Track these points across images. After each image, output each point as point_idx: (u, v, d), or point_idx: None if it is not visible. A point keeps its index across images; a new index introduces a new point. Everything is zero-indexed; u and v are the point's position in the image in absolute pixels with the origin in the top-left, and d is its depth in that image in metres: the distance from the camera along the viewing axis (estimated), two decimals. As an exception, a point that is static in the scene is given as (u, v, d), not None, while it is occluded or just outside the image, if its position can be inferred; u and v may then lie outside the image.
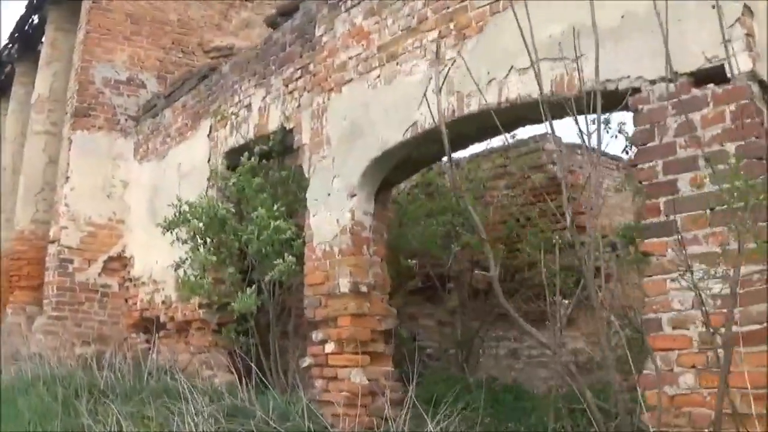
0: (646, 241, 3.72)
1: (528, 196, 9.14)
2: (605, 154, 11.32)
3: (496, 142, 9.26)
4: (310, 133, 6.25)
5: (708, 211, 3.48)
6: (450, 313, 9.15)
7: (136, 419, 5.35)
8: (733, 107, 3.48)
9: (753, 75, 3.46)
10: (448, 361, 9.05)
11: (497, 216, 9.05)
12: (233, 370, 6.15)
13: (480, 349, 8.93)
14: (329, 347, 5.70)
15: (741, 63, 3.46)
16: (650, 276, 3.67)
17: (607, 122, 5.75)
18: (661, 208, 3.65)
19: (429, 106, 4.81)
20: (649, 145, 3.77)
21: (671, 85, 3.69)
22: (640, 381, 3.64)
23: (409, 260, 7.13)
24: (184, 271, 6.97)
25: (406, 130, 5.29)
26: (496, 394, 7.99)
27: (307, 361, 5.86)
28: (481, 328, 8.69)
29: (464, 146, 5.83)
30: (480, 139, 5.59)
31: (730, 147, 3.46)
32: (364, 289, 5.66)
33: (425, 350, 8.93)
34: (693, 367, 3.46)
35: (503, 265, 8.81)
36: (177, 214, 6.83)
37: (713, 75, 3.58)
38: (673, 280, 3.54)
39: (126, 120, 10.18)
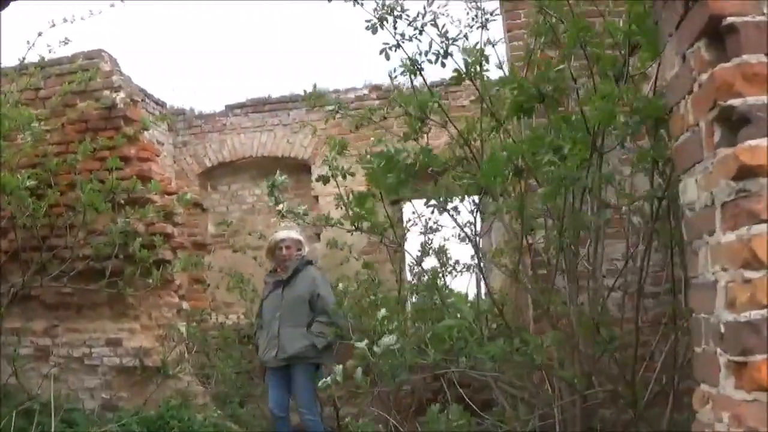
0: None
1: (70, 131, 6.56)
2: (151, 97, 9.10)
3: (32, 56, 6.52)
4: None
5: None
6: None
7: None
8: None
9: None
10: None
11: (24, 158, 6.24)
12: None
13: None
14: None
15: None
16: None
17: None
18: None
19: None
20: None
21: None
22: (695, 397, 1.85)
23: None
24: None
25: None
26: (35, 418, 5.39)
27: None
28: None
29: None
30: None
31: None
32: None
33: None
34: None
35: (29, 227, 6.02)
36: None
37: None
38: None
39: None
